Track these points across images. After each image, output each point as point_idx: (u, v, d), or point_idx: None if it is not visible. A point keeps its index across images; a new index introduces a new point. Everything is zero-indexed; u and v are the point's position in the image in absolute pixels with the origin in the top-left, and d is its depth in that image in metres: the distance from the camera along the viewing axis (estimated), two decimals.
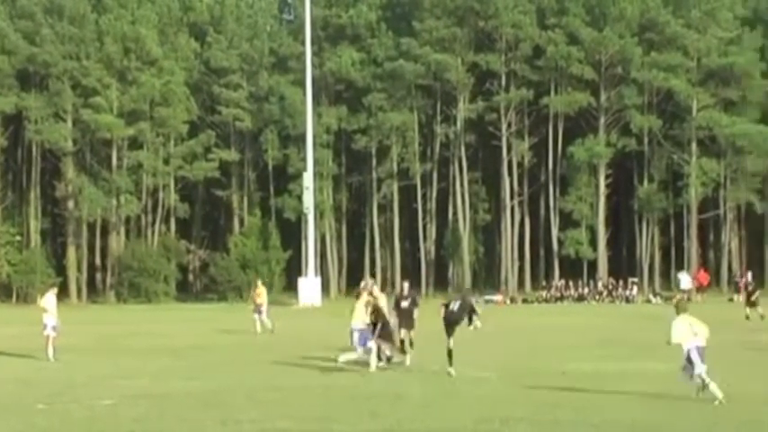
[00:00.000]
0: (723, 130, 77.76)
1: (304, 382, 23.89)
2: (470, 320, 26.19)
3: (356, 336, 26.86)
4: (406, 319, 28.79)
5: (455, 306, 25.81)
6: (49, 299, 32.36)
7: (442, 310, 25.74)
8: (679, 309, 20.44)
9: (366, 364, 26.00)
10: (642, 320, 46.20)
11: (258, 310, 41.22)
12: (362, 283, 31.17)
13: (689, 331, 19.50)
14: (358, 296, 28.33)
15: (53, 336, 31.08)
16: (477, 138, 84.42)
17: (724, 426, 17.11)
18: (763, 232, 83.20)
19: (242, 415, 18.62)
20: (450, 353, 24.98)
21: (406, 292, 29.97)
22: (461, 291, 31.01)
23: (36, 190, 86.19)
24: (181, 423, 18.20)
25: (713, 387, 19.14)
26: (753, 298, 45.80)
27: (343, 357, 27.02)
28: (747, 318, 43.79)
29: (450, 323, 25.45)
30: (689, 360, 19.32)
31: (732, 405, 19.07)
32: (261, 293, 41.82)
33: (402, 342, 27.89)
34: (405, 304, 29.09)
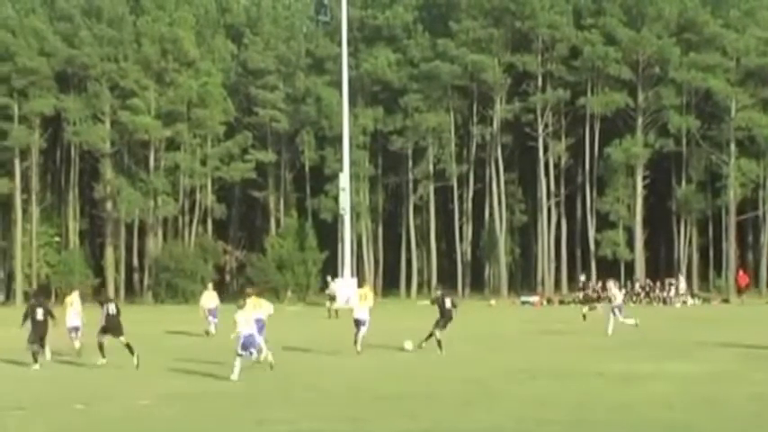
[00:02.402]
0: (762, 131, 77.27)
1: (337, 382, 23.90)
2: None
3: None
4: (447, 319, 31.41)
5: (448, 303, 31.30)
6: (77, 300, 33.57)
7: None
8: (240, 305, 25.14)
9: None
10: (679, 321, 45.94)
11: (211, 312, 41.61)
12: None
13: (251, 322, 24.92)
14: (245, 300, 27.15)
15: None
16: (514, 139, 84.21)
17: (762, 426, 16.99)
18: None
19: (277, 415, 18.67)
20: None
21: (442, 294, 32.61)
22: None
23: (74, 191, 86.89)
24: (216, 423, 18.27)
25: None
26: (586, 295, 46.39)
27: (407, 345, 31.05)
28: (584, 317, 43.35)
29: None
30: (247, 344, 24.41)
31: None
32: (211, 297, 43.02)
33: None
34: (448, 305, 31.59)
